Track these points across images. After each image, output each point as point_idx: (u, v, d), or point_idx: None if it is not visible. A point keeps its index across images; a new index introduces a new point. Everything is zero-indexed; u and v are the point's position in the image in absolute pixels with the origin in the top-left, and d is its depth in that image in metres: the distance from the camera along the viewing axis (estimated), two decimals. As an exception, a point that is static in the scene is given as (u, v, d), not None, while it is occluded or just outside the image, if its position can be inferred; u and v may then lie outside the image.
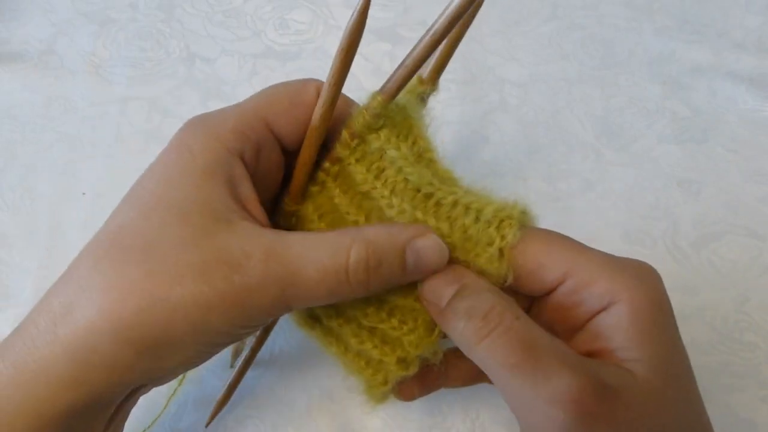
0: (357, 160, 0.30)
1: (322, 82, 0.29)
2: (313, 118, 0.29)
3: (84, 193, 0.50)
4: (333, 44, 0.58)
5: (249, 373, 0.40)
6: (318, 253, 0.26)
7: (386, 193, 0.29)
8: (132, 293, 0.24)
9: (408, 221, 0.28)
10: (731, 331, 0.44)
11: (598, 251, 0.28)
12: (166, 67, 0.57)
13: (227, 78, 0.56)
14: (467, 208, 0.28)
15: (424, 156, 0.30)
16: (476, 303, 0.26)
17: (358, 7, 0.25)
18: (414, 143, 0.30)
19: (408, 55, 0.27)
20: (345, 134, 0.30)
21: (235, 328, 0.26)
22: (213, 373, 0.43)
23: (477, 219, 0.28)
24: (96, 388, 0.25)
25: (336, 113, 0.29)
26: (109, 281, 0.24)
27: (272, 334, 0.40)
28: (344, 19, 0.59)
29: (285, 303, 0.26)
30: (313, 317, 0.33)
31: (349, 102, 0.31)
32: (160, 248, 0.25)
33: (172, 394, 0.40)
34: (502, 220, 0.27)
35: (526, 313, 0.26)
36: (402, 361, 0.30)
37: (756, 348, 0.44)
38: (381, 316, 0.30)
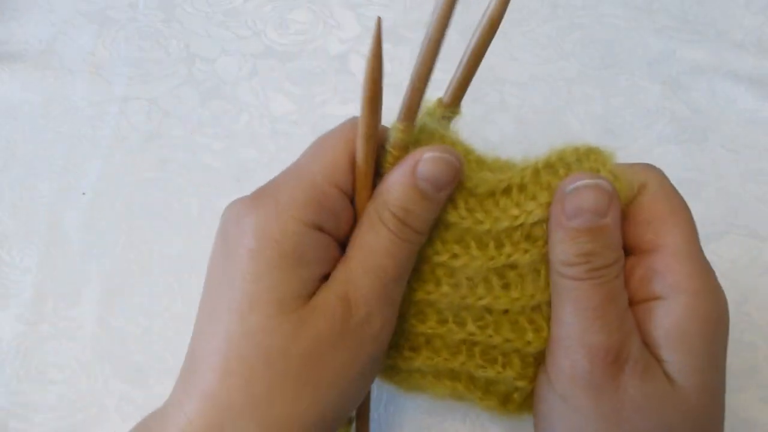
0: None
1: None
2: (356, 168, 0.27)
3: (84, 193, 0.50)
4: (333, 44, 0.58)
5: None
6: (358, 239, 0.27)
7: (464, 213, 0.27)
8: (263, 403, 0.25)
9: (509, 224, 0.27)
10: (731, 331, 0.43)
11: (698, 247, 0.27)
12: (166, 67, 0.57)
13: (227, 78, 0.56)
14: (550, 166, 0.27)
15: (470, 159, 0.28)
16: (602, 253, 0.25)
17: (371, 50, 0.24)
18: None
19: (413, 71, 0.26)
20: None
21: (357, 368, 0.26)
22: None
23: (568, 167, 0.26)
24: None
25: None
26: (247, 399, 0.25)
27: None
28: (344, 18, 0.59)
29: (386, 290, 0.26)
30: (448, 374, 0.32)
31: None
32: (274, 351, 0.25)
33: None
34: (586, 152, 0.27)
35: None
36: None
37: (756, 348, 0.44)
38: (543, 336, 0.28)
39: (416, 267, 0.28)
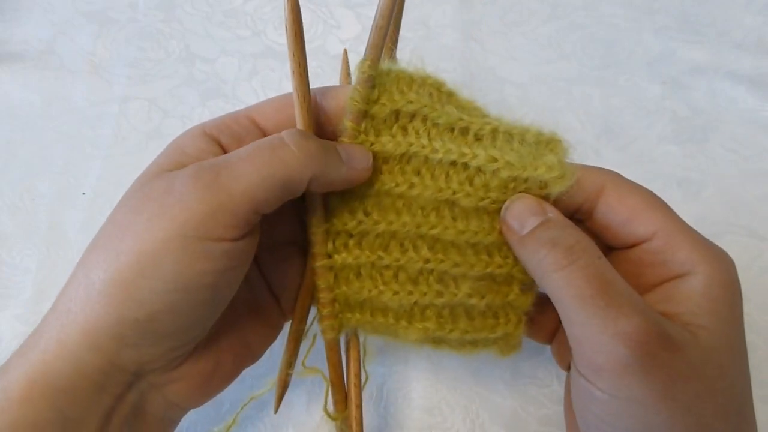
0: (376, 135, 0.31)
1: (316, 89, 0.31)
2: (295, 108, 0.30)
3: (84, 193, 0.50)
4: (333, 44, 0.58)
5: (248, 372, 0.40)
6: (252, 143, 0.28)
7: (425, 142, 0.30)
8: (100, 246, 0.28)
9: (457, 158, 0.30)
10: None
11: (685, 222, 0.29)
12: (166, 67, 0.57)
13: (227, 78, 0.56)
14: (509, 134, 0.30)
15: (442, 91, 0.31)
16: (562, 235, 0.27)
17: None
18: (421, 85, 0.30)
19: (376, 12, 0.28)
20: (348, 124, 0.30)
21: (181, 239, 0.26)
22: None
23: (522, 142, 0.30)
24: (74, 349, 0.26)
25: (329, 114, 0.31)
26: (91, 244, 0.29)
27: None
28: (344, 18, 0.59)
29: (220, 186, 0.26)
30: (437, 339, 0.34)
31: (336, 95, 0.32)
32: (119, 208, 0.29)
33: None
34: (548, 140, 0.30)
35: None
36: (524, 287, 0.32)
37: (756, 348, 0.44)
38: (484, 260, 0.31)
39: (379, 201, 0.31)
